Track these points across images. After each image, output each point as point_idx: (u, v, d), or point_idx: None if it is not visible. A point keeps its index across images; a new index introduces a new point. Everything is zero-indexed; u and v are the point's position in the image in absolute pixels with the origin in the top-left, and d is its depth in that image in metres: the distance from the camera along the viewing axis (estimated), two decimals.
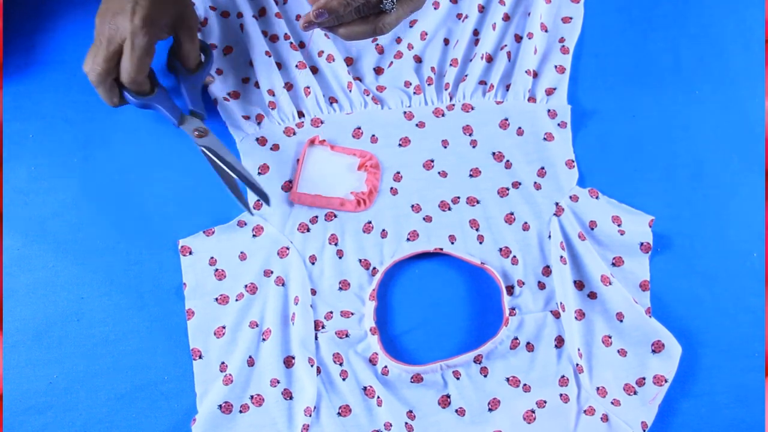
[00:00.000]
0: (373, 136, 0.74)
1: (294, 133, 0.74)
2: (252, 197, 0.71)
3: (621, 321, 0.67)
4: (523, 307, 0.69)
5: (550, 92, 0.76)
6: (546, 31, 0.77)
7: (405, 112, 0.75)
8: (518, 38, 0.77)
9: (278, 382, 0.65)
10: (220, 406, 0.64)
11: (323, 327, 0.67)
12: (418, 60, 0.77)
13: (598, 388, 0.66)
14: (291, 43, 0.76)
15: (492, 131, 0.74)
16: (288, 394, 0.65)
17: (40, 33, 0.77)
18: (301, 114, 0.74)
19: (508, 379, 0.66)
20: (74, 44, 0.77)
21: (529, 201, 0.72)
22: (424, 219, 0.71)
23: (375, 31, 0.64)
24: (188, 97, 0.70)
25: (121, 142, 0.74)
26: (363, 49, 0.77)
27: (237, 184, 0.69)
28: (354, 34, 0.64)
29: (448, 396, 0.66)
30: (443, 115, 0.75)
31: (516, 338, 0.67)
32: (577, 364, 0.66)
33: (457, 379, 0.66)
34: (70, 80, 0.76)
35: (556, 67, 0.76)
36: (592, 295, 0.68)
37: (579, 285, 0.69)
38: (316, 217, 0.71)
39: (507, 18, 0.78)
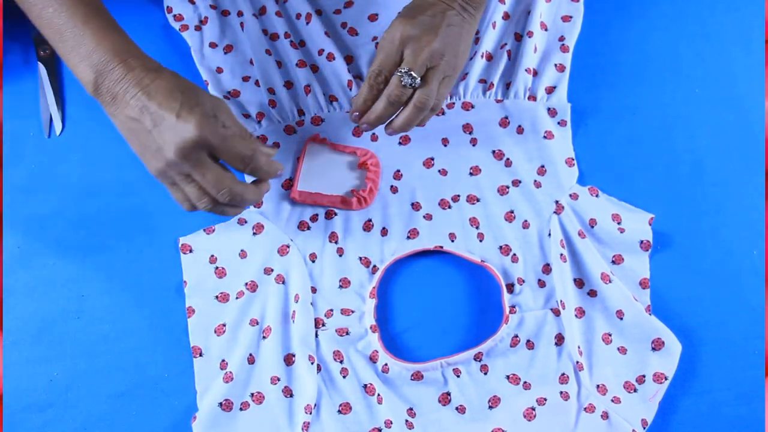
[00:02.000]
0: (374, 134, 0.74)
1: (294, 132, 0.74)
2: None
3: (621, 319, 0.67)
4: (523, 304, 0.69)
5: (550, 90, 0.76)
6: (546, 29, 0.77)
7: None
8: (518, 37, 0.77)
9: (279, 379, 0.65)
10: (221, 403, 0.64)
11: (323, 325, 0.67)
12: None
13: (598, 386, 0.66)
14: (291, 41, 0.76)
15: (492, 129, 0.74)
16: (288, 392, 0.65)
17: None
18: (301, 112, 0.75)
19: (508, 377, 0.66)
20: None
21: (529, 199, 0.72)
22: (424, 217, 0.71)
23: (421, 110, 0.64)
24: None
25: (121, 139, 0.73)
26: (363, 48, 0.77)
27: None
28: (407, 124, 0.65)
29: (449, 393, 0.66)
30: (443, 114, 0.75)
31: (516, 336, 0.67)
32: (578, 362, 0.66)
33: (458, 376, 0.66)
34: (70, 78, 0.76)
35: (556, 65, 0.76)
36: (592, 293, 0.68)
37: (579, 283, 0.69)
38: (317, 215, 0.71)
39: (507, 17, 0.78)
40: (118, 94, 0.55)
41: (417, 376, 0.66)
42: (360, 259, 0.70)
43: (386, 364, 0.66)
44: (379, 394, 0.65)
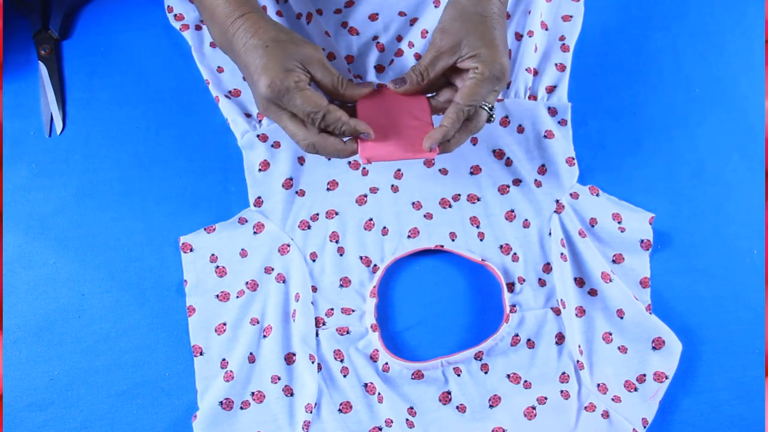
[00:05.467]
0: None
1: None
2: (253, 193, 0.71)
3: (621, 318, 0.67)
4: (523, 303, 0.69)
5: (550, 90, 0.76)
6: (546, 29, 0.77)
7: None
8: (519, 36, 0.77)
9: (279, 378, 0.65)
10: (221, 402, 0.64)
11: (324, 324, 0.67)
12: (419, 58, 0.77)
13: (598, 385, 0.66)
14: None
15: (492, 129, 0.74)
16: (289, 391, 0.65)
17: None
18: None
19: (508, 376, 0.66)
20: (74, 42, 0.78)
21: (529, 198, 0.72)
22: (424, 216, 0.71)
23: (470, 132, 0.65)
24: None
25: (121, 139, 0.74)
26: (364, 47, 0.77)
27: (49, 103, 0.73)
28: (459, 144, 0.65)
29: (449, 392, 0.66)
30: (443, 113, 0.75)
31: (517, 335, 0.67)
32: (578, 361, 0.66)
33: (458, 375, 0.66)
34: (71, 78, 0.76)
35: (556, 65, 0.76)
36: (593, 292, 0.69)
37: (579, 282, 0.69)
38: (317, 214, 0.71)
39: (507, 16, 0.78)
40: (233, 50, 0.64)
41: (417, 375, 0.66)
42: (360, 258, 0.70)
43: (387, 363, 0.66)
44: (379, 393, 0.65)
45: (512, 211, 0.72)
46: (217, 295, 0.68)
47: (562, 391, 0.66)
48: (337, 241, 0.70)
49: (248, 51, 0.62)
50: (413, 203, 0.72)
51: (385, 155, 0.63)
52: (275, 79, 0.60)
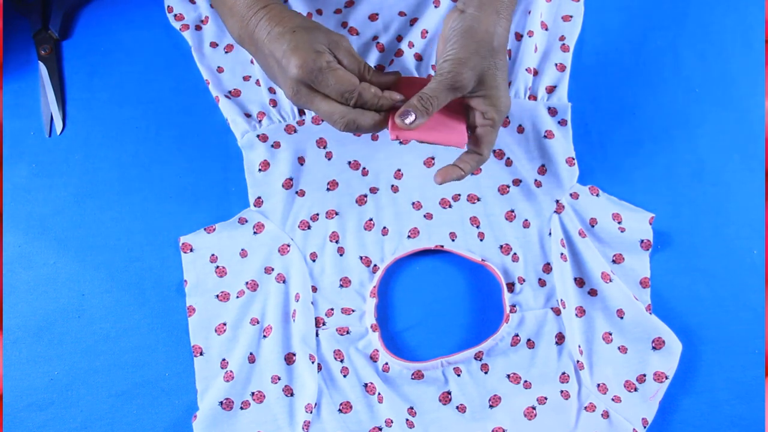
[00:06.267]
0: (373, 134, 0.74)
1: (295, 131, 0.74)
2: (253, 193, 0.71)
3: (621, 318, 0.67)
4: (523, 304, 0.69)
5: (550, 90, 0.76)
6: (546, 29, 0.77)
7: None
8: (518, 36, 0.77)
9: (279, 378, 0.65)
10: (221, 402, 0.64)
11: (324, 324, 0.67)
12: (419, 58, 0.77)
13: (598, 385, 0.66)
14: None
15: None
16: (289, 391, 0.65)
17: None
18: (302, 112, 0.74)
19: (508, 376, 0.66)
20: (74, 42, 0.78)
21: (529, 198, 0.72)
22: (424, 216, 0.71)
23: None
24: None
25: (121, 139, 0.74)
26: (364, 47, 0.77)
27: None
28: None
29: (449, 393, 0.66)
30: None
31: (517, 335, 0.67)
32: (578, 361, 0.66)
33: (458, 375, 0.66)
34: (71, 78, 0.76)
35: (556, 65, 0.76)
36: (593, 292, 0.69)
37: (579, 282, 0.69)
38: (317, 214, 0.71)
39: None
40: (255, 41, 0.63)
41: (417, 375, 0.66)
42: (360, 258, 0.70)
43: (387, 363, 0.66)
44: (379, 393, 0.65)
45: (512, 211, 0.72)
46: (217, 295, 0.68)
47: (562, 391, 0.66)
48: (337, 241, 0.70)
49: (273, 39, 0.60)
50: (413, 203, 0.72)
51: (416, 134, 0.62)
52: (307, 59, 0.58)
